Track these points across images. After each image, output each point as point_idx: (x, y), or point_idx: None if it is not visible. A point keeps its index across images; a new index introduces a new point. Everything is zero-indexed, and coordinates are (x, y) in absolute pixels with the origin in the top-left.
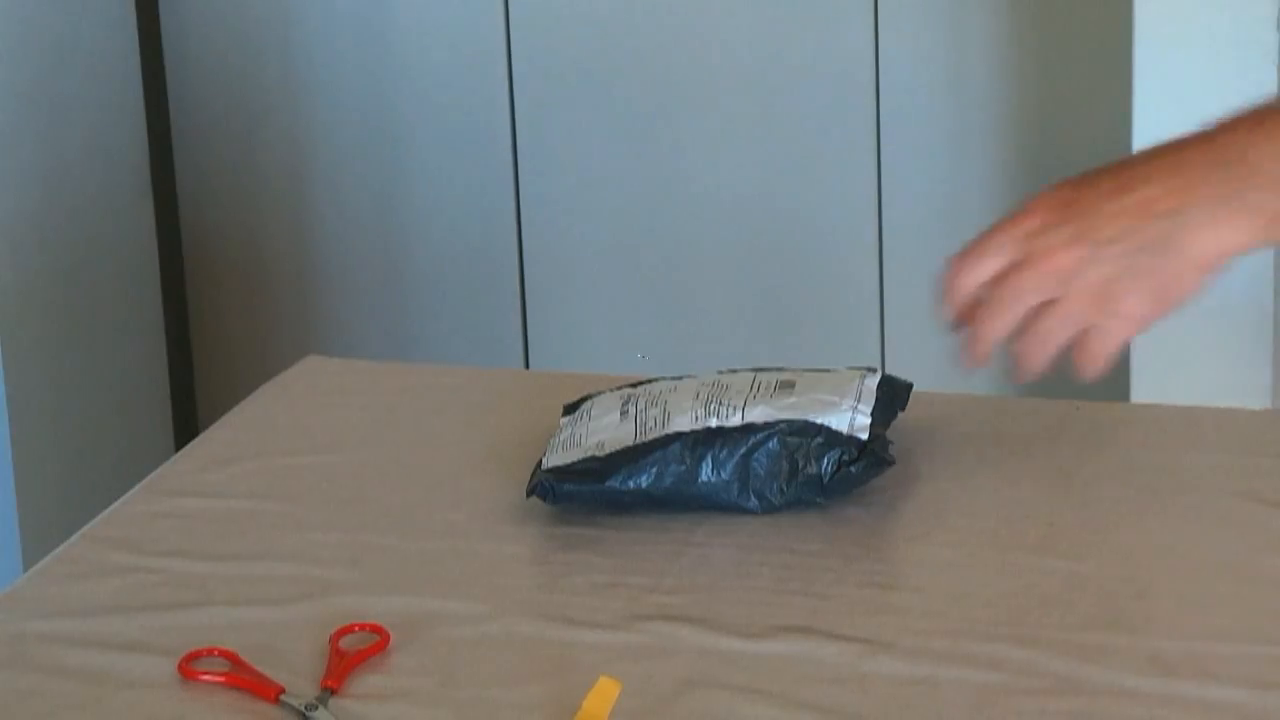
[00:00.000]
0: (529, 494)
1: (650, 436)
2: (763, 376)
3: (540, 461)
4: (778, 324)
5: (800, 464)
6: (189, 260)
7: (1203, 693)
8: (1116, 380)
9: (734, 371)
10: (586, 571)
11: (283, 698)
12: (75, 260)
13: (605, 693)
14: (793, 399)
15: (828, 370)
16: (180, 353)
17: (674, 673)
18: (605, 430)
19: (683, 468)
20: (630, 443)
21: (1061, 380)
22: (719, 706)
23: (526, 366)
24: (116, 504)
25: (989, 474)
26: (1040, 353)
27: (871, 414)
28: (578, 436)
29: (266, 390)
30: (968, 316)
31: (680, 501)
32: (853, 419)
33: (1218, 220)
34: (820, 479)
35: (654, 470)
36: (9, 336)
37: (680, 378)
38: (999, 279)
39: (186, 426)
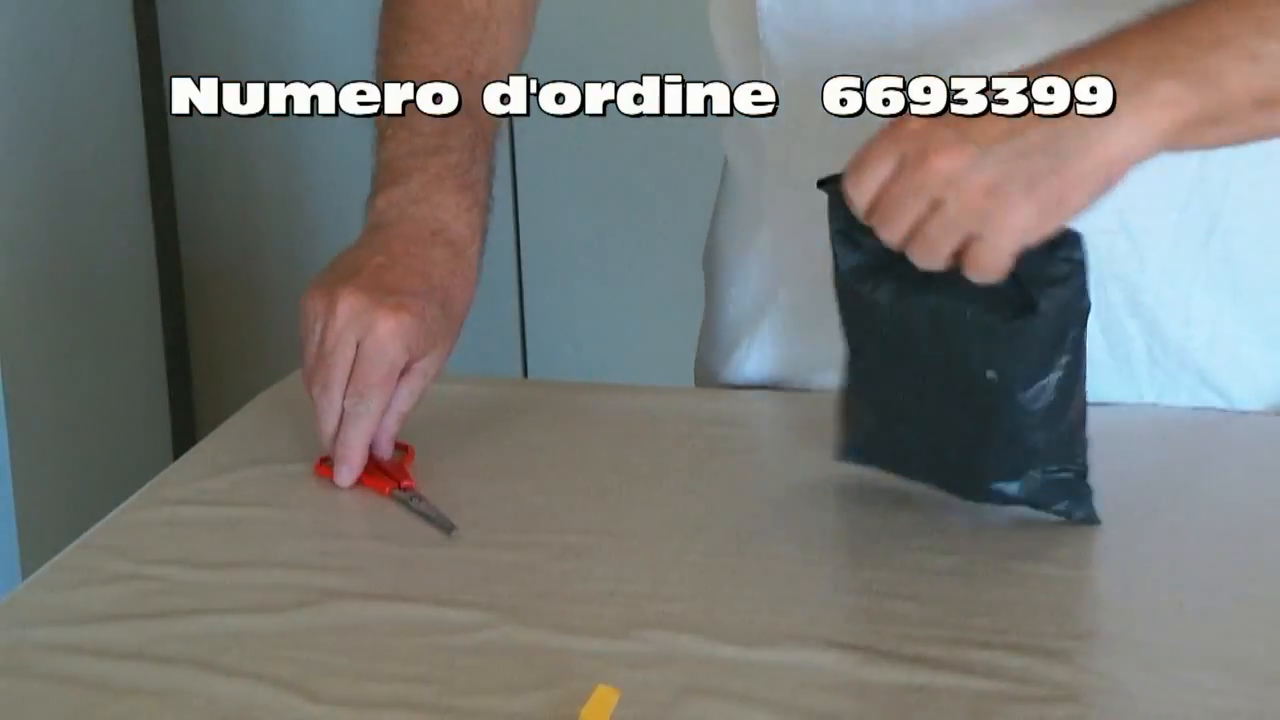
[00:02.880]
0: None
1: None
2: None
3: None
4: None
5: None
6: (187, 268)
7: (1203, 701)
8: None
9: None
10: (585, 579)
11: (395, 492)
12: (73, 268)
13: (603, 701)
14: None
15: None
16: (178, 360)
17: (672, 681)
18: None
19: None
20: None
21: None
22: (717, 714)
23: (524, 375)
24: (114, 512)
25: None
26: (927, 257)
27: None
28: None
29: (264, 398)
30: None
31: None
32: None
33: (1127, 117)
34: None
35: None
36: (8, 345)
37: None
38: (885, 187)
39: (184, 434)
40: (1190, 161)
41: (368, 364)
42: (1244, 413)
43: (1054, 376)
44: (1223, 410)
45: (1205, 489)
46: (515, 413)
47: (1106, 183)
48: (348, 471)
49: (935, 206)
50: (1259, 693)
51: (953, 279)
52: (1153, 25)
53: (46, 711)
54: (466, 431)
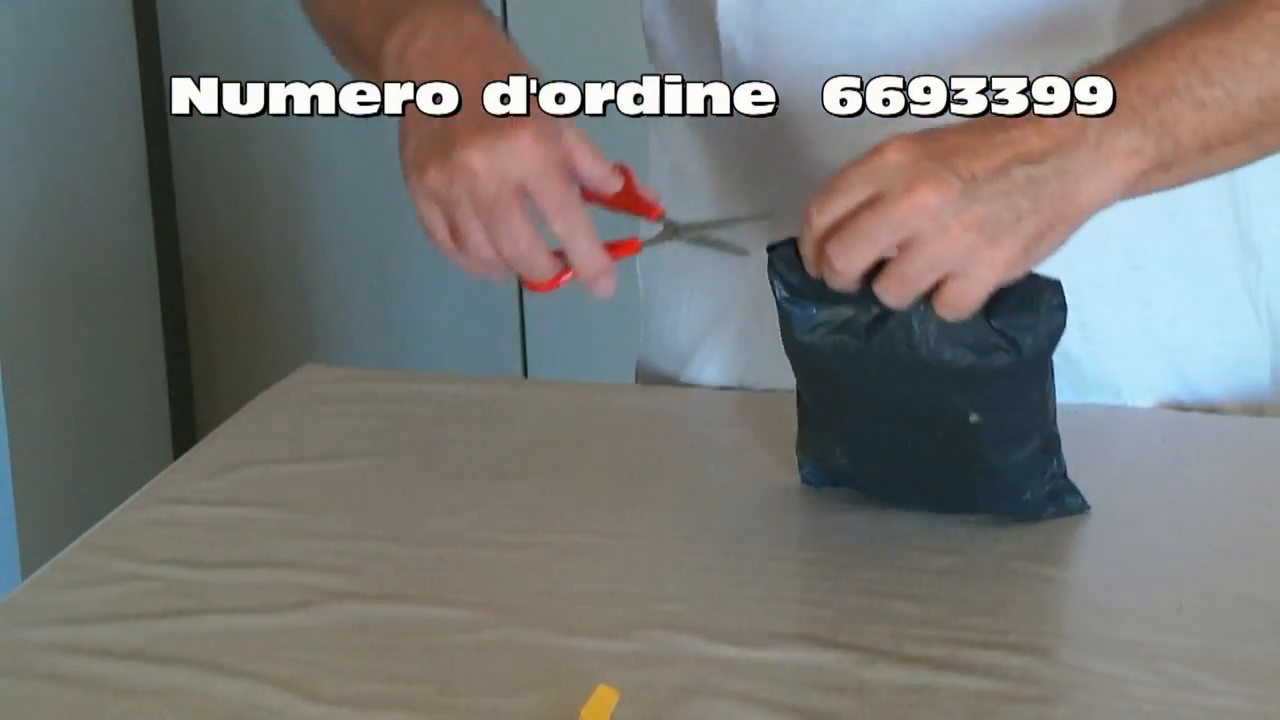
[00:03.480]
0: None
1: None
2: None
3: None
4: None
5: None
6: (187, 268)
7: (1202, 700)
8: None
9: None
10: (585, 579)
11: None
12: (73, 268)
13: (603, 701)
14: None
15: None
16: (178, 361)
17: (672, 681)
18: None
19: None
20: None
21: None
22: (717, 715)
23: (525, 374)
24: (115, 512)
25: None
26: (901, 295)
27: None
28: None
29: (264, 398)
30: (822, 254)
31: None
32: None
33: (1097, 164)
34: None
35: None
36: (7, 345)
37: None
38: (854, 215)
39: (185, 434)
40: None
41: (545, 188)
42: (1231, 413)
43: (1035, 408)
44: (1219, 411)
45: (1204, 490)
46: (515, 413)
47: (1077, 227)
48: (607, 281)
49: (908, 244)
50: (1259, 693)
51: (906, 325)
52: (1110, 72)
53: (46, 711)
54: (466, 431)
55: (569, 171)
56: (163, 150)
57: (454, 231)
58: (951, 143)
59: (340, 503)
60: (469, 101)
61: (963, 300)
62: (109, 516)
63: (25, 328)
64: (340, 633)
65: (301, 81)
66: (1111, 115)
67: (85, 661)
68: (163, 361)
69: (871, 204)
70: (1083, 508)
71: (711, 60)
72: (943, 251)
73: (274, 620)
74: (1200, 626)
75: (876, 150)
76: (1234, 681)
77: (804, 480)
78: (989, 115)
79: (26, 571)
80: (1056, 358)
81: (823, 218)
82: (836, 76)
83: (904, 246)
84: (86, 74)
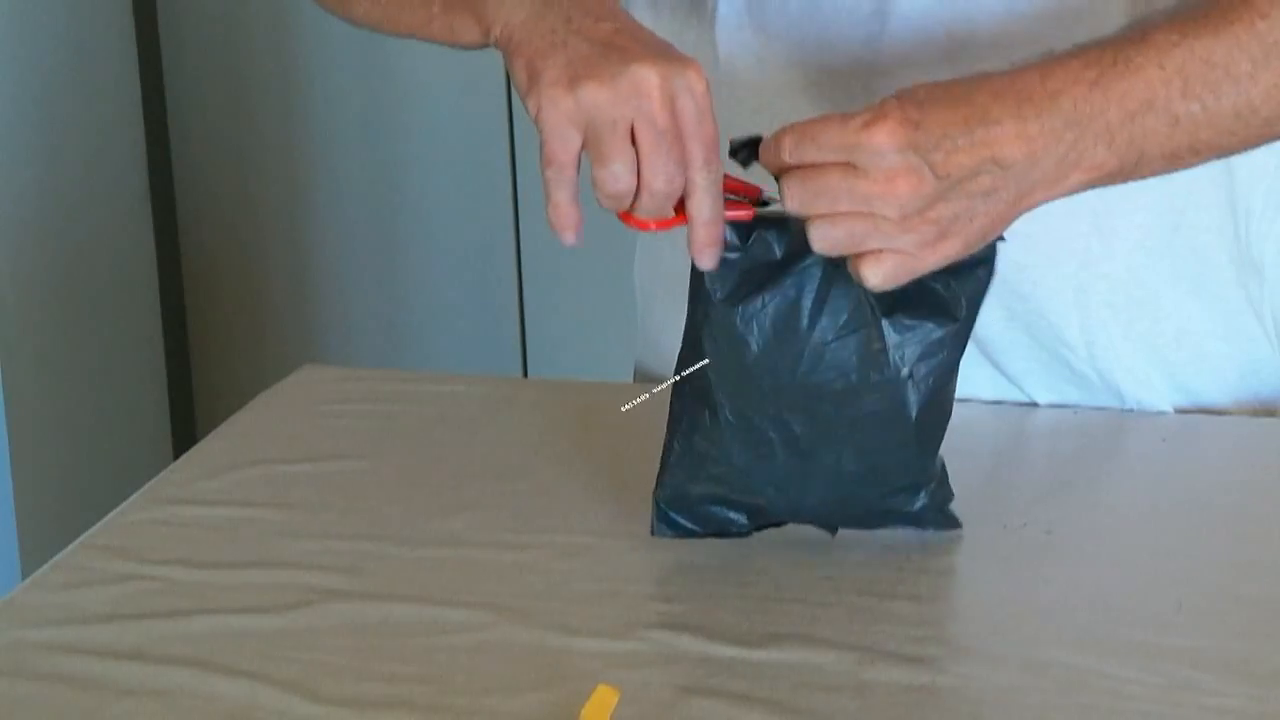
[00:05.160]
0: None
1: None
2: None
3: None
4: None
5: None
6: (187, 267)
7: (1202, 700)
8: None
9: None
10: (585, 580)
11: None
12: (73, 268)
13: (603, 701)
14: None
15: None
16: (178, 360)
17: (672, 681)
18: None
19: None
20: None
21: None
22: (717, 714)
23: (525, 374)
24: (114, 512)
25: (986, 481)
26: (834, 249)
27: None
28: None
29: (264, 398)
30: (778, 173)
31: None
32: None
33: (1056, 177)
34: None
35: None
36: (7, 344)
37: None
38: (824, 169)
39: (185, 434)
40: None
41: (707, 129)
42: (1236, 414)
43: (954, 364)
44: (1215, 412)
45: (1204, 489)
46: (515, 413)
47: (1012, 221)
48: (715, 251)
49: (867, 215)
50: (1259, 693)
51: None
52: (1096, 78)
53: (46, 711)
54: (466, 431)
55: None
56: (163, 150)
57: (594, 153)
58: (937, 130)
59: (340, 503)
60: (633, 27)
61: (892, 278)
62: (109, 516)
63: (25, 328)
64: (340, 633)
65: (300, 85)
66: (1085, 130)
67: (85, 661)
68: (163, 361)
69: (845, 170)
70: (950, 523)
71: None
72: (895, 234)
73: (274, 620)
74: (1200, 626)
75: (869, 124)
76: (1234, 681)
77: (662, 532)
78: (982, 86)
79: (26, 571)
80: (1063, 370)
81: (792, 159)
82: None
83: (860, 214)
84: (86, 74)
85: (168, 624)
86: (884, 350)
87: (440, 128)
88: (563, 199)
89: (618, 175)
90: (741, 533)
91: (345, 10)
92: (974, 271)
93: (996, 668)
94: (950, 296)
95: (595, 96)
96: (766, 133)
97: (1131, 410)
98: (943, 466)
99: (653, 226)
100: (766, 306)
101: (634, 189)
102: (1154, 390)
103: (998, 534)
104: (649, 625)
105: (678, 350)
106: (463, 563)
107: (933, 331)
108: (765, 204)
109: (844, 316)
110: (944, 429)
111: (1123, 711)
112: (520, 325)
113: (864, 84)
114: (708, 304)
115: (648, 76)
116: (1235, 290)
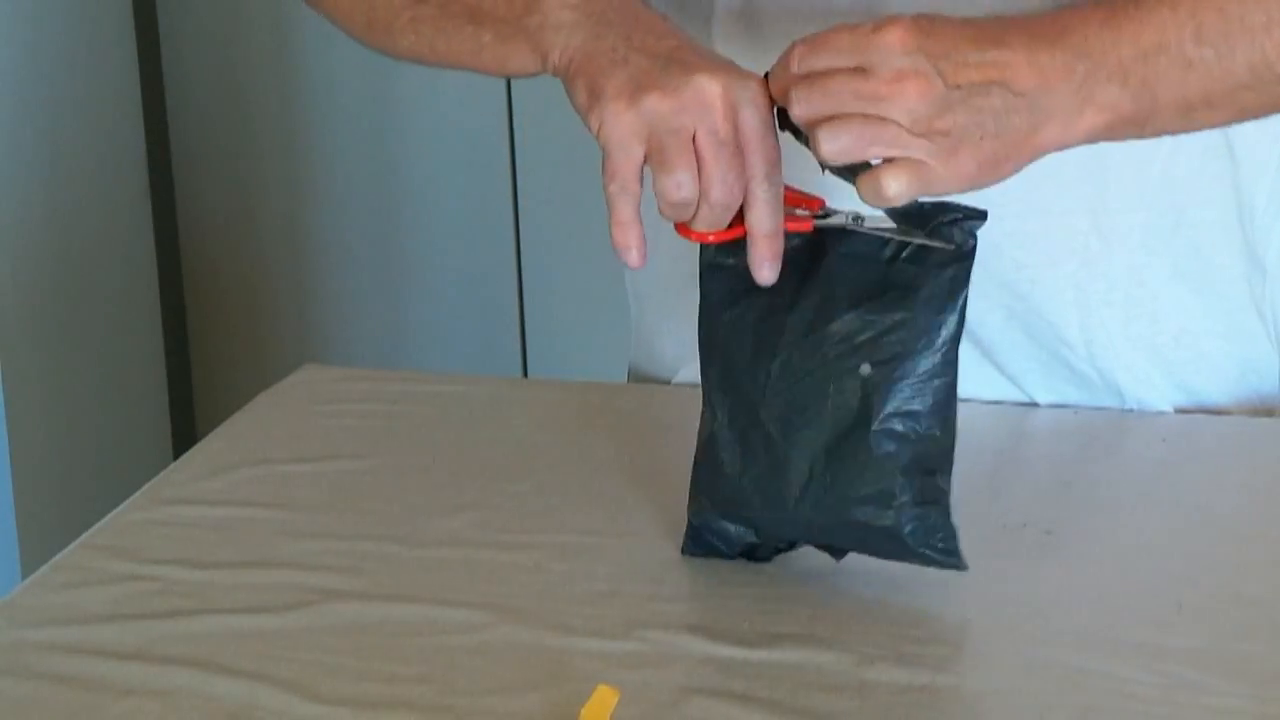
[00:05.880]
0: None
1: None
2: None
3: None
4: None
5: None
6: (187, 267)
7: (1202, 700)
8: None
9: None
10: (585, 579)
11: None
12: (73, 269)
13: (603, 701)
14: None
15: None
16: (178, 360)
17: (672, 681)
18: None
19: None
20: None
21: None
22: (717, 715)
23: (525, 374)
24: (114, 512)
25: (986, 481)
26: (841, 154)
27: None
28: None
29: (264, 398)
30: (782, 96)
31: None
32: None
33: (1070, 111)
34: None
35: None
36: (7, 345)
37: None
38: (831, 72)
39: (185, 434)
40: (1156, 161)
41: (768, 141)
42: (1233, 414)
43: (933, 372)
44: (1212, 412)
45: (1204, 490)
46: (515, 413)
47: (1027, 163)
48: (774, 267)
49: (876, 119)
50: (1259, 693)
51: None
52: (1107, 16)
53: (46, 711)
54: (466, 431)
55: None
56: (163, 151)
57: (657, 161)
58: (948, 42)
59: (340, 503)
60: (694, 44)
61: (909, 188)
62: (109, 516)
63: (25, 328)
64: (340, 633)
65: (300, 87)
66: (1097, 65)
67: (85, 661)
68: (163, 361)
69: (853, 73)
70: (955, 563)
71: None
72: (905, 140)
73: (274, 620)
74: (1200, 626)
75: (879, 27)
76: (1234, 681)
77: (692, 550)
78: (994, 21)
79: (26, 571)
80: (1062, 369)
81: (801, 68)
82: None
83: (868, 117)
84: (86, 74)
85: (168, 624)
86: (849, 346)
87: (441, 128)
88: (627, 215)
89: (681, 183)
90: (761, 556)
91: (390, 43)
92: (944, 270)
93: (996, 668)
94: (921, 288)
95: (658, 106)
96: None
97: (1131, 410)
98: (938, 498)
99: (711, 239)
100: (750, 310)
101: (696, 199)
102: (1154, 388)
103: (998, 534)
104: (649, 625)
105: (670, 353)
106: (463, 563)
107: (898, 325)
108: (826, 216)
109: (810, 315)
110: (928, 443)
111: (1123, 711)
112: (520, 325)
113: None
114: (704, 308)
115: (710, 87)
116: (1238, 287)
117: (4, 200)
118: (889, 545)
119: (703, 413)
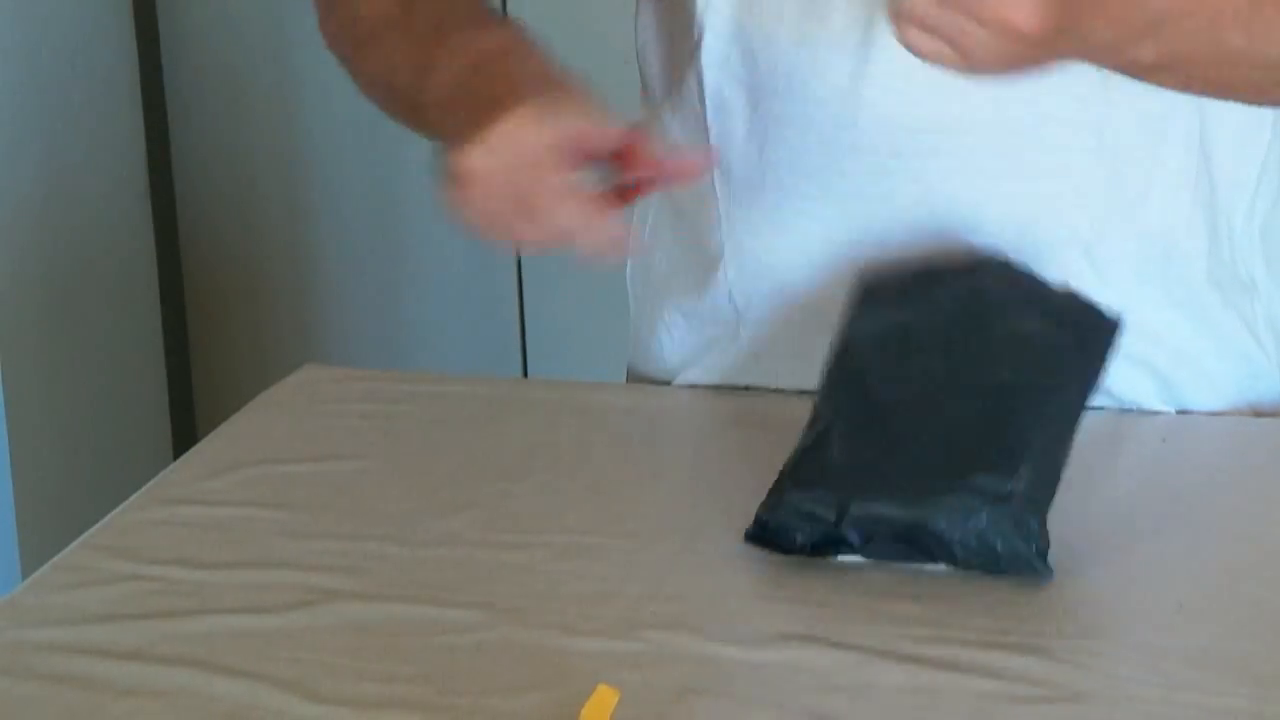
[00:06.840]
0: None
1: None
2: None
3: None
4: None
5: None
6: (187, 268)
7: (1202, 700)
8: None
9: None
10: (585, 579)
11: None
12: (73, 268)
13: (603, 701)
14: None
15: None
16: (178, 361)
17: (672, 681)
18: None
19: None
20: None
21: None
22: (717, 715)
23: (525, 374)
24: (115, 512)
25: None
26: (923, 50)
27: None
28: None
29: (264, 398)
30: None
31: None
32: None
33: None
34: None
35: None
36: (8, 345)
37: None
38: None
39: (185, 434)
40: (1150, 191)
41: (535, 183)
42: (1232, 415)
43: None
44: (1210, 412)
45: (1204, 490)
46: (515, 413)
47: None
48: (618, 248)
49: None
50: (1259, 693)
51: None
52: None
53: (46, 711)
54: (466, 431)
55: (578, 148)
56: (163, 150)
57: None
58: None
59: (340, 503)
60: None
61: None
62: (109, 516)
63: (25, 328)
64: (340, 633)
65: (300, 86)
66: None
67: (85, 661)
68: (163, 361)
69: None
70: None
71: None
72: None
73: (274, 620)
74: (1200, 626)
75: None
76: (1234, 681)
77: (759, 539)
78: None
79: (26, 571)
80: None
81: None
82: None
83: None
84: (86, 74)
85: (168, 624)
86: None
87: None
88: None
89: (533, 232)
90: (824, 549)
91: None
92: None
93: (995, 668)
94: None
95: (454, 203)
96: (755, 166)
97: (1130, 410)
98: (1035, 510)
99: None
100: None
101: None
102: (1153, 402)
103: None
104: (649, 625)
105: (670, 353)
106: (463, 563)
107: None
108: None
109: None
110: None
111: (1123, 711)
112: (520, 325)
113: (852, 115)
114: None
115: (466, 166)
116: (1228, 312)
117: (4, 200)
118: (972, 542)
119: (812, 419)
